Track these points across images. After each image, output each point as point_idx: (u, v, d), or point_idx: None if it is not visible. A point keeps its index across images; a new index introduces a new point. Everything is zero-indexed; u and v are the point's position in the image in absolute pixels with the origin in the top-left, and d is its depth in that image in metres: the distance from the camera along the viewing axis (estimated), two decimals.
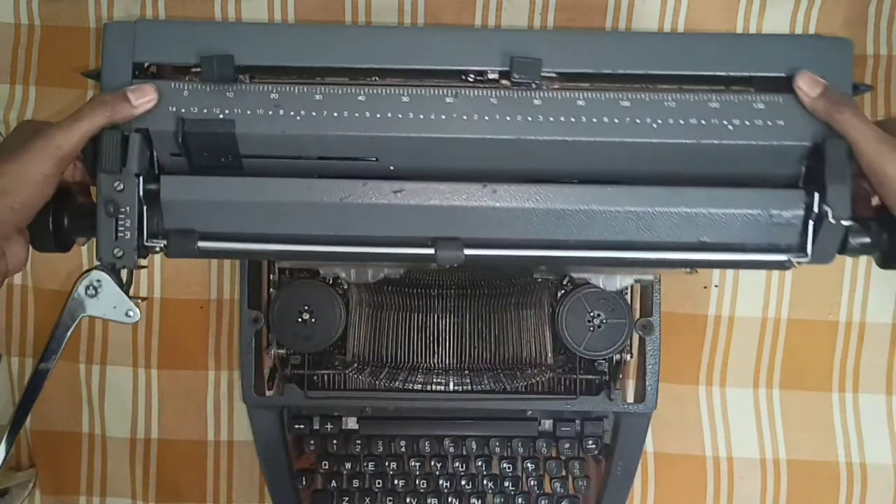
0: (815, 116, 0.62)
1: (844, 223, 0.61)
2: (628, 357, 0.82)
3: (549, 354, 0.81)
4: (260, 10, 0.90)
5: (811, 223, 0.62)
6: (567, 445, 0.85)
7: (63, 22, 0.92)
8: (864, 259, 0.91)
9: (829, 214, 0.60)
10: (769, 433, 0.92)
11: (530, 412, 0.85)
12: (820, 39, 0.65)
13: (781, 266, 0.64)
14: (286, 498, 0.85)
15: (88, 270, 0.64)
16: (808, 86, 0.62)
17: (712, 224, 0.63)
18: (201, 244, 0.63)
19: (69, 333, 0.65)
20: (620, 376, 0.84)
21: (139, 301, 0.66)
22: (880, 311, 0.91)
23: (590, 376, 0.84)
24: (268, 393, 0.85)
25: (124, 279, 0.65)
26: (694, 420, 0.92)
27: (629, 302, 0.82)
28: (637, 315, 0.83)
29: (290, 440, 0.85)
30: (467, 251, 0.63)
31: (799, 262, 0.63)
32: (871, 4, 0.90)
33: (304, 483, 0.86)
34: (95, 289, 0.64)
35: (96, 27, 0.91)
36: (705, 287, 0.92)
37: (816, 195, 0.61)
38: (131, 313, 0.65)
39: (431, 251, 0.63)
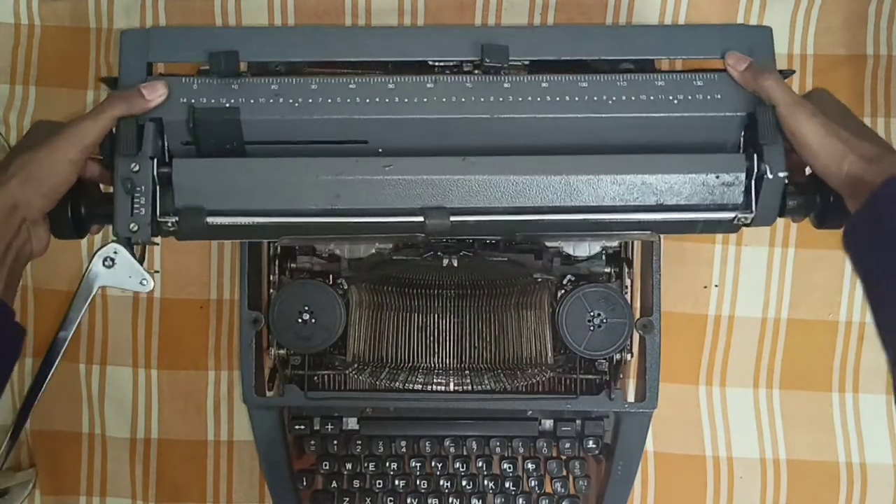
0: (744, 88, 0.70)
1: (781, 174, 0.68)
2: (629, 357, 0.82)
3: (550, 354, 0.81)
4: (259, 7, 0.91)
5: (753, 182, 0.70)
6: (567, 445, 0.85)
7: (63, 22, 0.92)
8: None
9: (768, 171, 0.68)
10: (769, 433, 0.92)
11: (531, 412, 0.85)
12: (745, 28, 0.74)
13: (729, 228, 0.72)
14: (286, 498, 0.85)
15: (105, 244, 0.70)
16: (735, 62, 0.70)
17: (667, 187, 0.70)
18: (210, 219, 0.68)
19: (87, 303, 0.72)
20: (621, 376, 0.84)
21: (152, 273, 0.72)
22: None
23: (590, 376, 0.84)
24: (268, 393, 0.85)
25: (138, 255, 0.71)
26: (694, 420, 0.92)
27: (629, 301, 0.82)
28: (637, 314, 0.83)
29: (290, 441, 0.85)
30: (453, 218, 0.69)
31: (745, 220, 0.71)
32: (871, 4, 0.90)
33: (304, 483, 0.86)
34: (112, 259, 0.70)
35: (96, 27, 0.91)
36: (705, 287, 0.92)
37: (755, 156, 0.69)
38: (145, 282, 0.71)
39: (421, 219, 0.69)
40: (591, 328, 0.79)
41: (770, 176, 0.68)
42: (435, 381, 0.80)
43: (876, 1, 0.90)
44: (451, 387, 0.80)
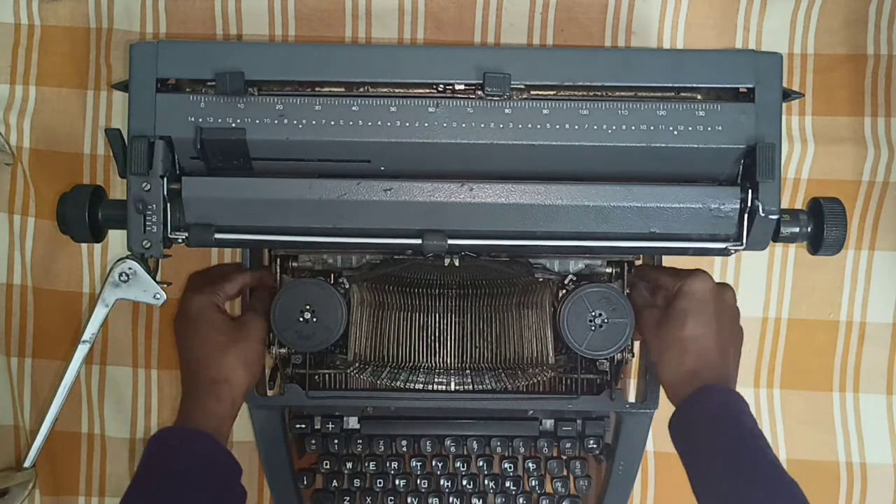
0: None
1: (773, 217, 0.70)
2: (630, 357, 0.81)
3: (551, 354, 0.81)
4: (260, 7, 0.91)
5: (746, 216, 0.71)
6: (568, 445, 0.85)
7: (63, 22, 0.91)
8: (864, 259, 0.91)
9: (760, 209, 0.70)
10: (769, 433, 0.92)
11: (532, 412, 0.85)
12: (754, 54, 0.72)
13: (721, 253, 0.73)
14: (287, 497, 0.85)
15: (121, 259, 0.75)
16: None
17: (661, 216, 0.72)
18: (218, 235, 0.71)
19: (106, 315, 0.78)
20: (622, 376, 0.84)
21: (165, 286, 0.75)
22: (881, 311, 0.91)
23: (591, 376, 0.84)
24: (269, 393, 0.85)
25: (151, 267, 0.76)
26: None
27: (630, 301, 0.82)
28: None
29: (291, 440, 0.85)
30: (451, 241, 0.71)
31: (736, 250, 0.72)
32: (871, 4, 0.90)
33: (305, 483, 0.86)
34: (128, 276, 0.76)
35: (96, 27, 0.91)
36: None
37: (750, 191, 0.70)
38: (158, 296, 0.76)
39: (419, 241, 0.71)
40: (593, 328, 0.79)
41: (762, 214, 0.70)
42: (436, 380, 0.80)
43: (876, 1, 0.90)
44: (452, 386, 0.80)
